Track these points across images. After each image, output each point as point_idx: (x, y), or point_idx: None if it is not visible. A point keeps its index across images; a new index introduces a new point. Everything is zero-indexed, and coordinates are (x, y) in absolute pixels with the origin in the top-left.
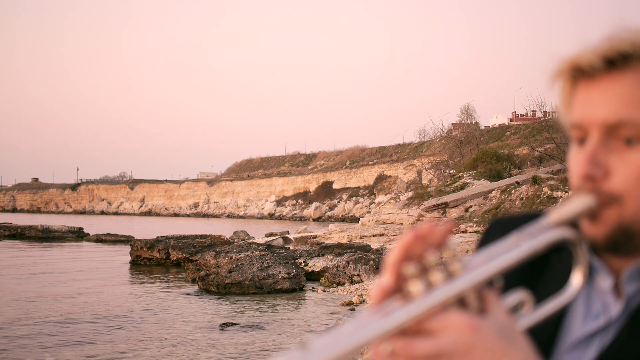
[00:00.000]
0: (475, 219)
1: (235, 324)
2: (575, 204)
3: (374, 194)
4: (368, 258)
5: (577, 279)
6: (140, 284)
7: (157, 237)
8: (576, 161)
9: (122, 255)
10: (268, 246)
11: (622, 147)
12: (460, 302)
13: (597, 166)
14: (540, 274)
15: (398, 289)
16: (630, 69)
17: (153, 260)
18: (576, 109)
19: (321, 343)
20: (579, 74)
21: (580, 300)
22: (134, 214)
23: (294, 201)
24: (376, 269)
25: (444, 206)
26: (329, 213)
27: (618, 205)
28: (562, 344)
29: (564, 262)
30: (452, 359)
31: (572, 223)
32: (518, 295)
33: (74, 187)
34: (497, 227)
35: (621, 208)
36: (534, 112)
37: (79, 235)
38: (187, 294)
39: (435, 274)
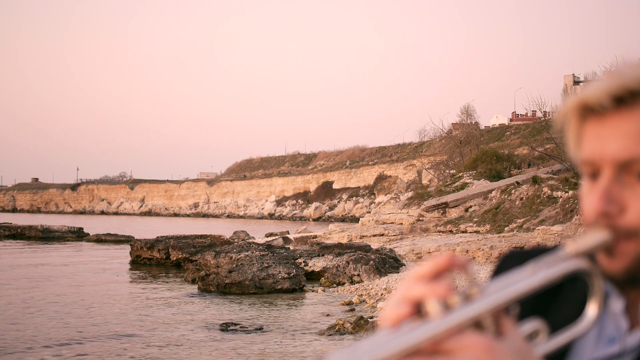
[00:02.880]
0: (475, 219)
1: (235, 324)
2: (591, 238)
3: (374, 194)
4: (368, 258)
5: (592, 309)
6: (140, 284)
7: (157, 237)
8: (590, 197)
9: (122, 255)
10: (268, 246)
11: (635, 182)
12: (477, 325)
13: (612, 202)
14: (553, 302)
15: (415, 310)
16: (638, 106)
17: (153, 260)
18: (586, 146)
19: (337, 359)
20: (588, 112)
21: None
22: (134, 214)
23: (294, 201)
24: (376, 269)
25: (444, 206)
26: (329, 213)
27: (635, 240)
28: None
29: (577, 291)
30: None
31: (589, 255)
32: (533, 324)
33: (74, 187)
34: (511, 259)
35: (638, 242)
36: (534, 112)
37: (79, 235)
38: (187, 294)
39: (453, 296)
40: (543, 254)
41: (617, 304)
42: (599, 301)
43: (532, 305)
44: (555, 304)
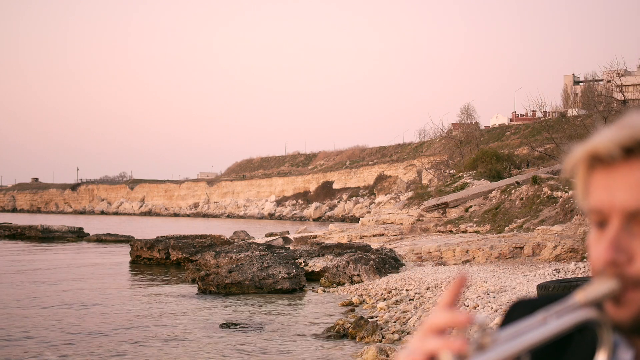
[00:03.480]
0: (475, 219)
1: (235, 324)
2: (599, 287)
3: (374, 194)
4: (368, 258)
5: (601, 358)
6: (140, 284)
7: (157, 237)
8: (598, 246)
9: (122, 255)
10: (268, 246)
11: None
12: None
13: (621, 252)
14: (563, 351)
15: None
16: None
17: (153, 260)
18: (595, 195)
19: None
20: (597, 161)
21: None
22: (134, 214)
23: (294, 201)
24: (376, 269)
25: (444, 206)
26: (329, 213)
27: None
28: None
29: (586, 341)
30: None
31: (597, 304)
32: None
33: (74, 187)
34: (520, 308)
35: None
36: (534, 112)
37: (79, 235)
38: (187, 294)
39: (466, 348)
40: (551, 302)
41: (626, 355)
42: (608, 351)
43: (542, 356)
44: (565, 355)
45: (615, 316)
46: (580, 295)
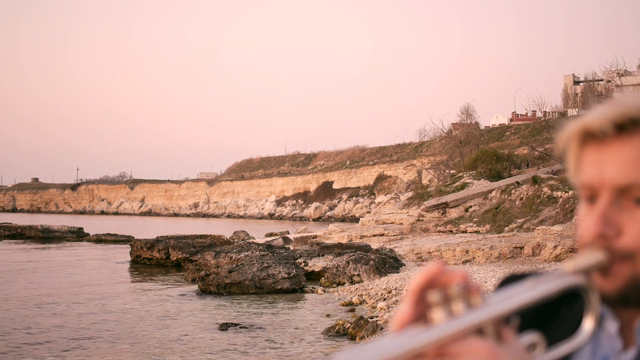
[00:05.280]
0: (475, 219)
1: (235, 324)
2: (588, 257)
3: (374, 194)
4: (368, 258)
5: (588, 324)
6: (140, 284)
7: (157, 237)
8: (587, 220)
9: (122, 255)
10: (268, 246)
11: (632, 207)
12: (479, 332)
13: (609, 225)
14: (551, 321)
15: (420, 317)
16: (639, 134)
17: (153, 260)
18: (586, 170)
19: (345, 358)
20: (589, 137)
21: (587, 343)
22: (134, 214)
23: (294, 201)
24: (376, 269)
25: (444, 206)
26: (329, 213)
27: (630, 262)
28: None
29: (574, 311)
30: None
31: (586, 273)
32: (531, 337)
33: (74, 187)
34: (512, 281)
35: (633, 264)
36: (534, 112)
37: (79, 235)
38: (187, 294)
39: (457, 304)
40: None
41: (612, 326)
42: (595, 316)
43: (531, 324)
44: (553, 323)
45: (602, 287)
46: (569, 265)
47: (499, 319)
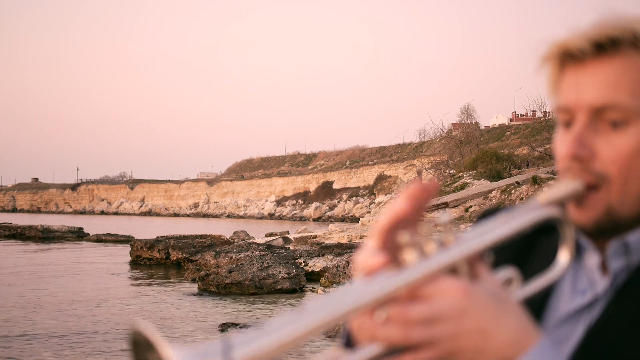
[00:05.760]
0: (475, 219)
1: (235, 324)
2: (562, 187)
3: (374, 194)
4: None
5: (564, 256)
6: (140, 284)
7: (157, 237)
8: (562, 143)
9: (122, 255)
10: (268, 246)
11: (608, 129)
12: (453, 271)
13: (584, 147)
14: (527, 256)
15: (389, 258)
16: (619, 54)
17: (153, 260)
18: (564, 93)
19: (316, 305)
20: (568, 58)
21: (567, 277)
22: (134, 214)
23: (294, 201)
24: None
25: (444, 206)
26: (329, 213)
27: (604, 189)
28: (549, 320)
29: (551, 245)
30: (447, 322)
31: (560, 204)
32: (507, 272)
33: (74, 187)
34: (489, 215)
35: (607, 191)
36: (534, 112)
37: (79, 235)
38: (187, 294)
39: (429, 244)
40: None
41: (593, 259)
42: (570, 248)
43: (507, 259)
44: (530, 258)
45: (578, 219)
46: (542, 196)
47: (472, 256)
